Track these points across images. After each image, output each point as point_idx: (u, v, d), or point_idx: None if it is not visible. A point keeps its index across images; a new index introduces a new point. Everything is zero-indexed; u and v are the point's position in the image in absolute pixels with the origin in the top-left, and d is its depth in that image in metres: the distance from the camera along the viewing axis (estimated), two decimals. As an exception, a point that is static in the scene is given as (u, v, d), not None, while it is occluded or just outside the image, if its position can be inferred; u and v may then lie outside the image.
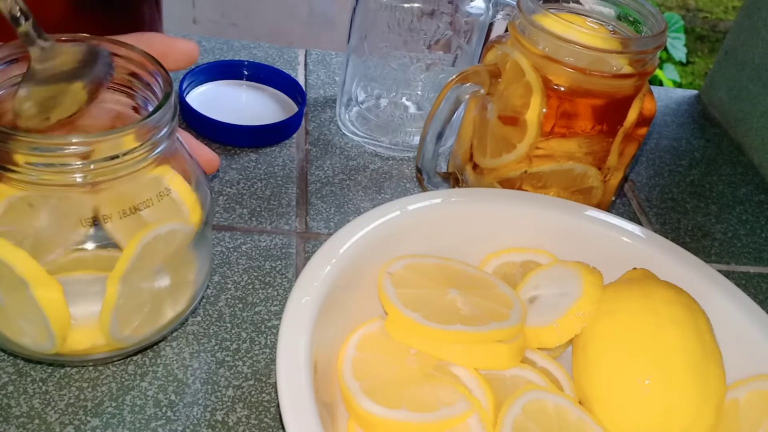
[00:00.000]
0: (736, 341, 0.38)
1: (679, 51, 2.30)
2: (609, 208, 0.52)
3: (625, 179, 0.55)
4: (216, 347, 0.41)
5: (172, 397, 0.38)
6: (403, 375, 0.35)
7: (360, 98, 0.59)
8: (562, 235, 0.43)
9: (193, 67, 0.58)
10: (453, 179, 0.53)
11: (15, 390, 0.37)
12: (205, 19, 1.51)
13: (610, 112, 0.45)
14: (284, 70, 0.61)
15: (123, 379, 0.39)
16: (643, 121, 0.46)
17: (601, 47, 0.43)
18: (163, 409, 0.38)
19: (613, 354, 0.36)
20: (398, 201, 0.41)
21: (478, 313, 0.37)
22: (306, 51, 0.69)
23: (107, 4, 0.59)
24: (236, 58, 0.64)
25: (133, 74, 0.36)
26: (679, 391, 0.35)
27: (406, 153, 0.59)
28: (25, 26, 0.33)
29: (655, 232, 0.51)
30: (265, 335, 0.43)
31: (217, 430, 0.37)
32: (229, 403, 0.39)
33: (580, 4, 0.49)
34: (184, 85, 0.58)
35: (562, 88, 0.44)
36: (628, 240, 0.43)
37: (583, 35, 0.43)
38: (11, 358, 0.39)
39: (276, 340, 0.42)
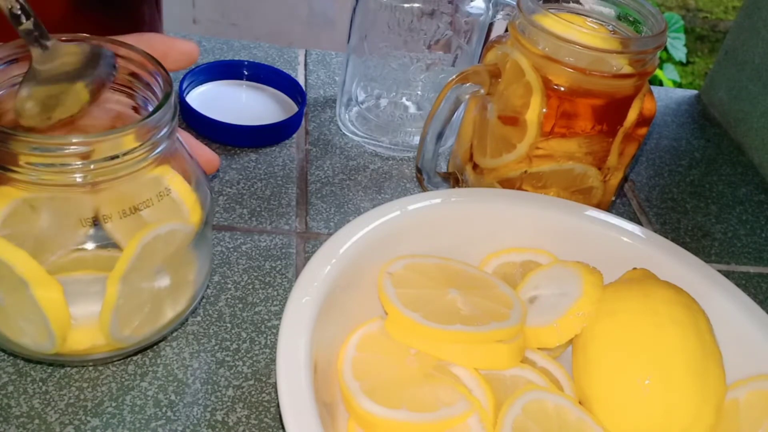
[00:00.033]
0: (736, 341, 0.38)
1: (679, 51, 2.30)
2: (609, 208, 0.52)
3: (625, 179, 0.55)
4: (216, 347, 0.41)
5: (172, 397, 0.38)
6: (403, 375, 0.35)
7: (360, 98, 0.59)
8: (562, 235, 0.43)
9: (193, 67, 0.58)
10: (453, 179, 0.53)
11: (15, 390, 0.37)
12: (205, 19, 1.51)
13: (610, 112, 0.45)
14: (284, 70, 0.61)
15: (123, 379, 0.39)
16: (643, 121, 0.46)
17: (601, 47, 0.43)
18: (163, 409, 0.38)
19: (613, 354, 0.36)
20: (398, 201, 0.41)
21: (478, 313, 0.37)
22: (306, 51, 0.69)
23: (107, 4, 0.59)
24: (236, 58, 0.64)
25: (133, 74, 0.36)
26: (679, 391, 0.35)
27: (406, 153, 0.59)
28: (27, 24, 0.33)
29: (655, 232, 0.52)
30: (265, 335, 0.43)
31: (217, 430, 0.37)
32: (229, 403, 0.39)
33: (580, 4, 0.49)
34: (184, 85, 0.58)
35: (562, 88, 0.44)
36: (628, 240, 0.43)
37: (583, 35, 0.43)
38: (11, 358, 0.39)
39: (276, 340, 0.42)
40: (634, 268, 0.41)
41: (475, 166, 0.51)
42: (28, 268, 0.32)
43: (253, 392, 0.40)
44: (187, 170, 0.37)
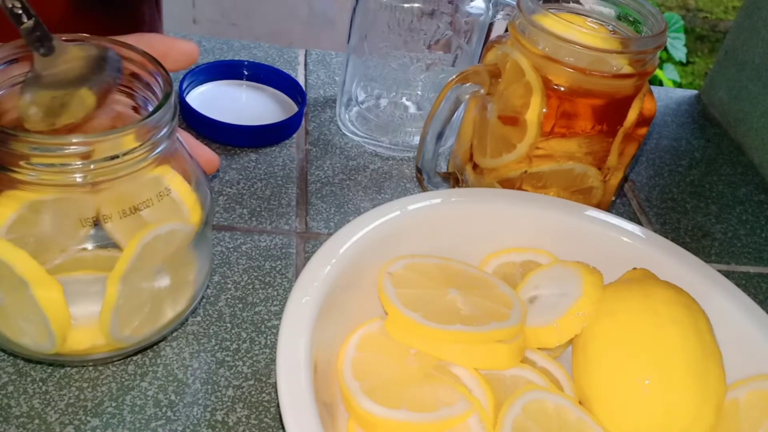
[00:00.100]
0: (736, 341, 0.38)
1: (679, 51, 2.30)
2: (609, 208, 0.52)
3: (625, 179, 0.55)
4: (216, 347, 0.41)
5: (172, 397, 0.38)
6: (403, 375, 0.35)
7: (360, 98, 0.59)
8: (562, 235, 0.43)
9: (193, 67, 0.58)
10: (453, 179, 0.53)
11: (15, 390, 0.37)
12: (205, 19, 1.51)
13: (610, 112, 0.45)
14: (284, 70, 0.61)
15: (123, 379, 0.39)
16: (643, 121, 0.46)
17: (601, 47, 0.43)
18: (163, 409, 0.38)
19: (613, 354, 0.36)
20: (398, 201, 0.41)
21: (478, 313, 0.37)
22: (306, 51, 0.69)
23: (107, 4, 0.59)
24: (236, 58, 0.64)
25: (133, 74, 0.36)
26: (679, 391, 0.35)
27: (406, 153, 0.59)
28: (29, 23, 0.32)
29: (655, 232, 0.52)
30: (265, 335, 0.43)
31: (217, 430, 0.37)
32: (229, 403, 0.39)
33: (580, 4, 0.49)
34: (184, 85, 0.58)
35: (562, 88, 0.44)
36: (628, 240, 0.43)
37: (583, 35, 0.43)
38: (11, 358, 0.39)
39: (276, 340, 0.42)
40: (634, 268, 0.41)
41: (475, 166, 0.51)
42: (28, 268, 0.32)
43: (253, 392, 0.40)
44: (187, 170, 0.37)
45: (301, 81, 0.65)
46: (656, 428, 0.35)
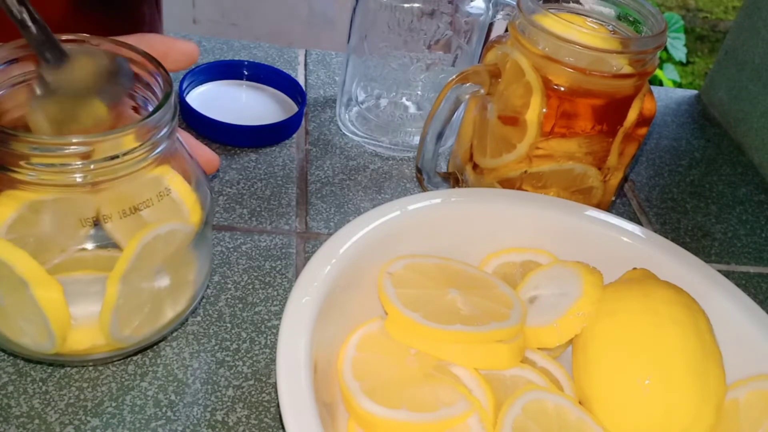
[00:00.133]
0: (736, 341, 0.38)
1: (679, 51, 2.30)
2: (609, 208, 0.52)
3: (625, 179, 0.55)
4: (216, 347, 0.41)
5: (172, 397, 0.38)
6: (403, 375, 0.35)
7: (360, 98, 0.59)
8: (562, 235, 0.43)
9: (193, 67, 0.58)
10: (453, 179, 0.53)
11: (15, 390, 0.37)
12: (205, 19, 1.51)
13: (610, 112, 0.45)
14: (284, 70, 0.61)
15: (123, 379, 0.39)
16: (643, 121, 0.46)
17: (601, 47, 0.43)
18: (163, 409, 0.38)
19: (613, 354, 0.36)
20: (398, 201, 0.41)
21: (478, 313, 0.37)
22: (306, 51, 0.69)
23: (107, 4, 0.59)
24: (236, 58, 0.64)
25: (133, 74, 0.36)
26: (679, 391, 0.35)
27: (406, 153, 0.59)
28: (38, 34, 0.32)
29: (655, 232, 0.52)
30: (265, 335, 0.43)
31: (217, 430, 0.37)
32: (229, 403, 0.39)
33: (580, 4, 0.49)
34: (184, 85, 0.58)
35: (562, 88, 0.44)
36: (628, 240, 0.43)
37: (583, 35, 0.43)
38: (11, 358, 0.39)
39: (276, 340, 0.42)
40: (634, 268, 0.41)
41: (475, 166, 0.51)
42: (28, 268, 0.32)
43: (253, 392, 0.40)
44: (187, 170, 0.37)
45: (301, 81, 0.65)
46: (656, 428, 0.35)
